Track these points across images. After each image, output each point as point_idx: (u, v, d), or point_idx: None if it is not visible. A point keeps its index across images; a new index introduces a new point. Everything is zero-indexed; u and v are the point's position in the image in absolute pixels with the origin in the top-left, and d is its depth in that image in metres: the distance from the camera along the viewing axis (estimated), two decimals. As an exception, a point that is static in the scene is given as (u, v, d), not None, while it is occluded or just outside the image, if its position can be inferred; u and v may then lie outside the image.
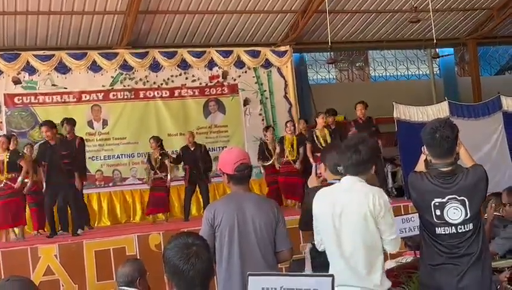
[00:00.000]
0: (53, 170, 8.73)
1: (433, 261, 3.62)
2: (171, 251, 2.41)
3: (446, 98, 11.49)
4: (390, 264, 5.11)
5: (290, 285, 2.92)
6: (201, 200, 11.18)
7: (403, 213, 6.43)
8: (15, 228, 9.24)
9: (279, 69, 13.78)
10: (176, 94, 13.02)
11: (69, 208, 9.04)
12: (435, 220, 3.59)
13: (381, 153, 10.02)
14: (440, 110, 10.92)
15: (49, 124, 8.93)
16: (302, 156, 10.59)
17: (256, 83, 13.60)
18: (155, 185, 10.67)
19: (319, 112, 11.38)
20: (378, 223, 3.40)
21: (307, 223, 3.82)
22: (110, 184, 12.42)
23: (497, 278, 4.61)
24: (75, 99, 12.34)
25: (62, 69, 12.26)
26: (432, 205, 3.58)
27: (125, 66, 12.66)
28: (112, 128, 12.52)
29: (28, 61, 12.02)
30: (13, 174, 8.72)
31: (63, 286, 7.42)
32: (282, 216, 3.92)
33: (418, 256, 4.19)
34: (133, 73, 12.73)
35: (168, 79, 12.95)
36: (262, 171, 11.74)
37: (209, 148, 11.80)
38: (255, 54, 13.54)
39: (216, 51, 13.26)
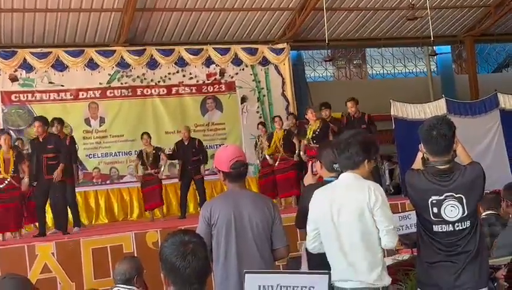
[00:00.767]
0: (41, 166, 8.69)
1: (430, 259, 3.62)
2: (167, 248, 2.40)
3: (443, 95, 11.52)
4: (387, 261, 5.10)
5: (287, 283, 2.92)
6: (198, 197, 11.16)
7: (400, 211, 6.44)
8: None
9: (276, 67, 13.77)
10: (173, 92, 13.02)
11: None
12: (432, 217, 3.58)
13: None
14: (437, 108, 10.93)
15: (43, 120, 8.84)
16: (299, 149, 10.56)
17: (253, 80, 13.59)
18: (146, 180, 10.65)
19: (307, 106, 11.35)
20: (374, 215, 3.38)
21: (303, 221, 3.82)
22: (108, 182, 12.44)
23: (494, 275, 4.60)
24: (72, 97, 12.35)
25: (59, 66, 12.26)
26: (429, 202, 3.58)
27: (123, 64, 12.66)
28: (109, 125, 12.52)
29: (25, 59, 12.02)
30: (16, 174, 8.70)
31: (60, 283, 7.39)
32: (278, 213, 3.92)
33: (415, 254, 4.19)
34: (130, 70, 12.73)
35: (166, 76, 12.95)
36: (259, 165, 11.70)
37: (207, 145, 11.77)
38: (252, 52, 13.53)
39: (213, 48, 13.26)
